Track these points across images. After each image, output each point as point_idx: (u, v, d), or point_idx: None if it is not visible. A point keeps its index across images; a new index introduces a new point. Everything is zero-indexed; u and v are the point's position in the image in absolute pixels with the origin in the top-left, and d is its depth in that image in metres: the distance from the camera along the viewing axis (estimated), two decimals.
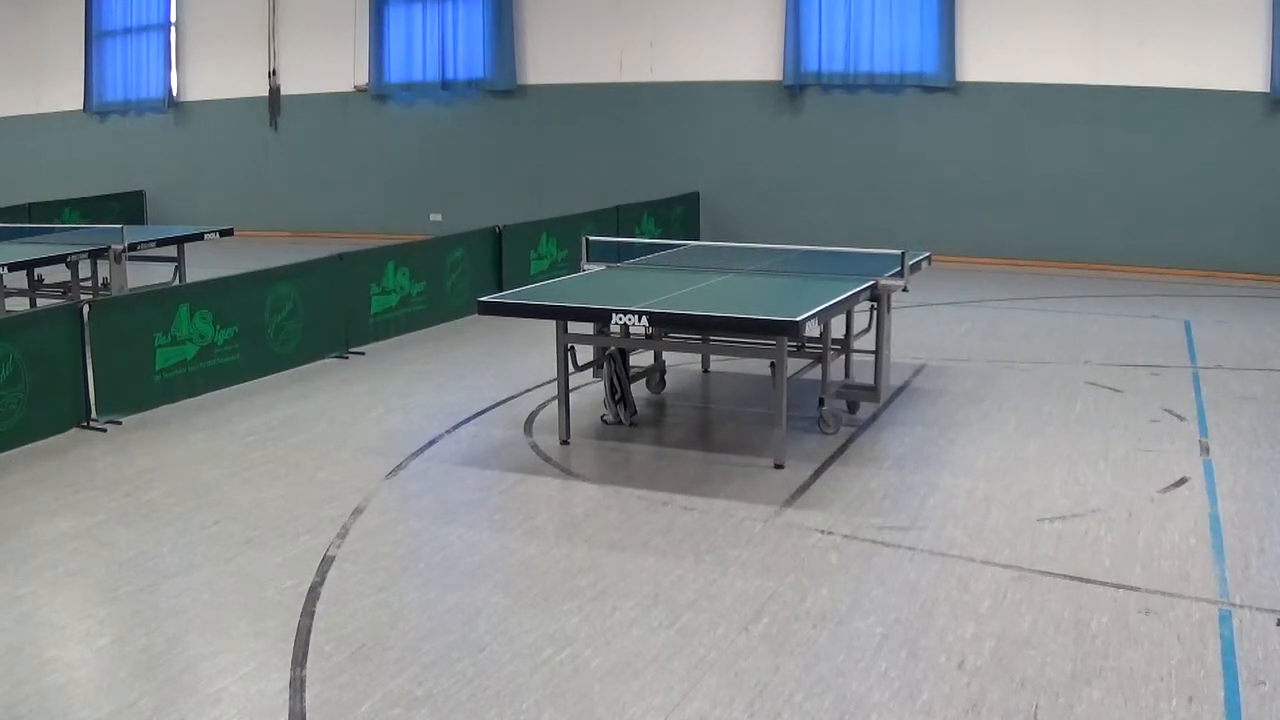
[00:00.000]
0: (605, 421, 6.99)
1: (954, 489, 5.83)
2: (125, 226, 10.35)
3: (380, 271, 9.43)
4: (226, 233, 11.12)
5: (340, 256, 9.19)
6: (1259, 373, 8.19)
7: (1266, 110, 12.14)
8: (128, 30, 17.66)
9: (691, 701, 3.80)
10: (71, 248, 9.71)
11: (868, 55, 13.69)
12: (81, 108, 17.98)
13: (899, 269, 7.05)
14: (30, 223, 12.97)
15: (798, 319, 5.79)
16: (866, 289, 6.79)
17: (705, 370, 8.33)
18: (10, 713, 3.74)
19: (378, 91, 16.26)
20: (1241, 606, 4.43)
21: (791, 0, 13.83)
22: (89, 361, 6.96)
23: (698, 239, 13.64)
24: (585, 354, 6.93)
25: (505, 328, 9.14)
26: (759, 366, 7.84)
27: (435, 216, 15.87)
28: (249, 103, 17.02)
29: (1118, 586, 4.63)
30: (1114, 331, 9.66)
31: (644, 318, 6.00)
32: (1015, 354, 8.81)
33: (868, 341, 7.27)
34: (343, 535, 5.28)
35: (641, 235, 13.05)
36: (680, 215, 14.31)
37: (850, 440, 6.66)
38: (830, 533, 5.26)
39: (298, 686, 3.92)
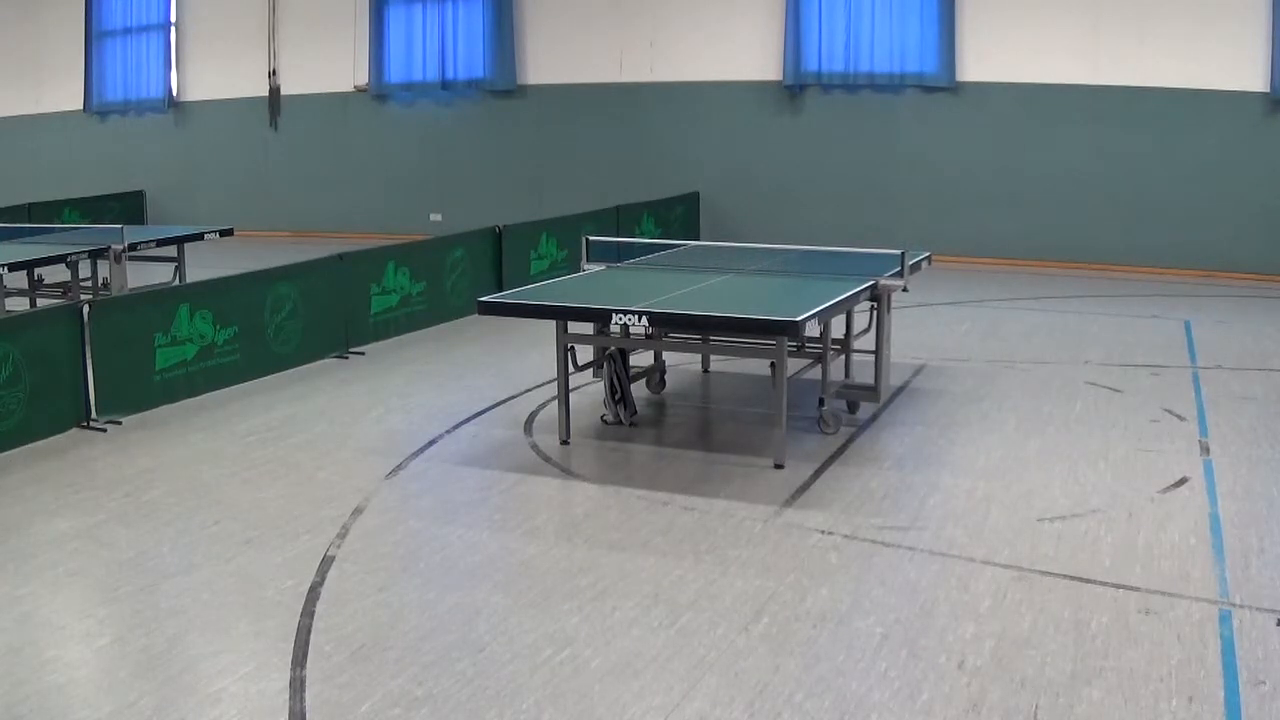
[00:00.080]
0: (605, 421, 6.99)
1: (954, 489, 5.83)
2: (125, 226, 10.35)
3: (380, 271, 9.43)
4: (226, 233, 11.12)
5: (340, 256, 9.19)
6: (1259, 373, 8.19)
7: (1266, 110, 12.14)
8: (128, 30, 17.66)
9: (691, 701, 3.80)
10: (71, 248, 9.71)
11: (868, 55, 13.69)
12: (81, 108, 17.98)
13: (899, 269, 7.05)
14: (30, 223, 12.97)
15: (798, 319, 5.79)
16: (866, 289, 6.79)
17: (705, 370, 8.33)
18: (10, 713, 3.74)
19: (378, 91, 16.26)
20: (1241, 606, 4.43)
21: (791, 0, 13.83)
22: (89, 361, 6.97)
23: (698, 239, 13.64)
24: (585, 354, 6.93)
25: (505, 328, 9.14)
26: (759, 366, 7.84)
27: (435, 216, 15.87)
28: (249, 103, 17.02)
29: (1118, 586, 4.63)
30: (1114, 331, 9.66)
31: (644, 318, 6.00)
32: (1015, 354, 8.81)
33: (868, 341, 7.27)
34: (343, 535, 5.28)
35: (641, 235, 13.05)
36: (680, 215, 14.31)
37: (850, 440, 6.66)
38: (830, 533, 5.26)
39: (298, 686, 3.92)
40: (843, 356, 7.59)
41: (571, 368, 6.65)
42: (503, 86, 15.55)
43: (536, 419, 7.17)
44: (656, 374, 7.67)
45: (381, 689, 3.90)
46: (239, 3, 16.92)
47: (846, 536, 5.21)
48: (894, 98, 13.72)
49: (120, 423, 7.06)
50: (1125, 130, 12.71)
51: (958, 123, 13.44)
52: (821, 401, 6.83)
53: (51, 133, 18.23)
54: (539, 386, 7.87)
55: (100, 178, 17.41)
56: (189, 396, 7.60)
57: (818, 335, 6.75)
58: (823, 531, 5.27)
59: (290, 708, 3.78)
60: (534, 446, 6.63)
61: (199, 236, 10.89)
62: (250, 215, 16.33)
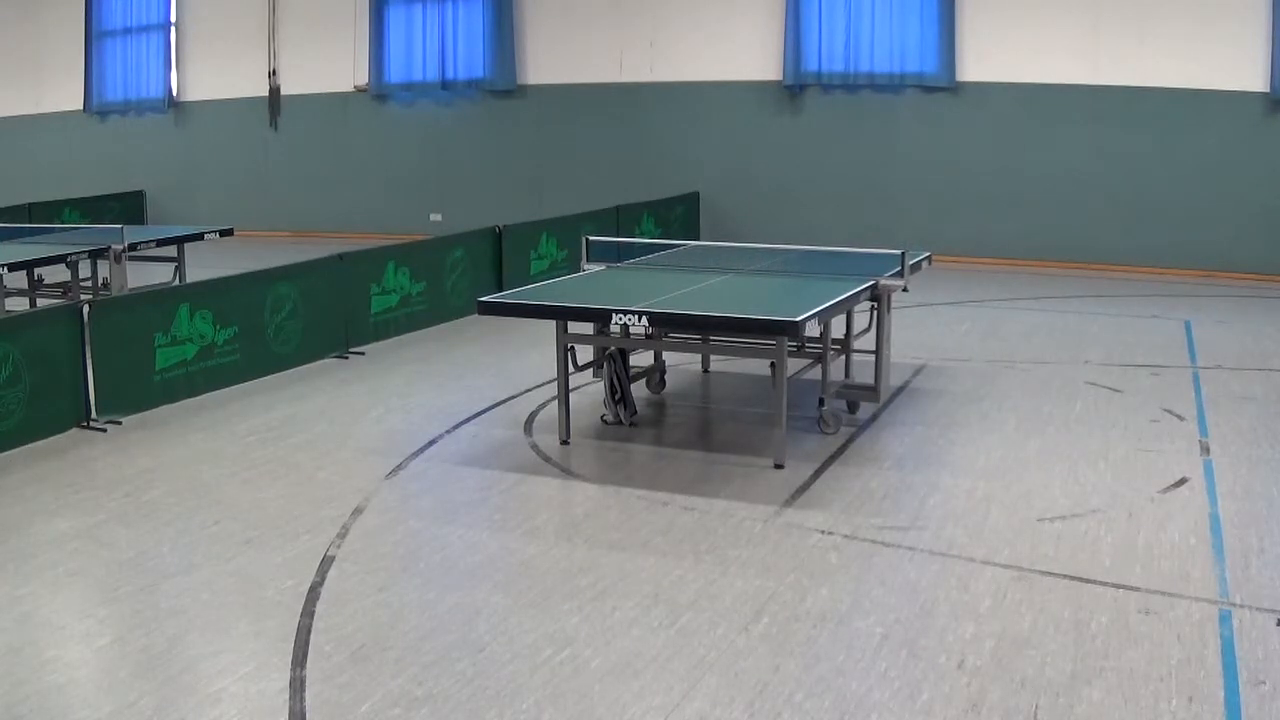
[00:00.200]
0: (605, 421, 6.99)
1: (954, 489, 5.83)
2: (125, 226, 10.35)
3: (380, 271, 9.43)
4: (226, 233, 11.12)
5: (340, 256, 9.19)
6: (1259, 373, 8.19)
7: (1266, 110, 12.14)
8: (128, 30, 17.66)
9: (691, 701, 3.80)
10: (71, 248, 9.71)
11: (868, 55, 13.69)
12: (81, 108, 17.98)
13: (899, 269, 7.05)
14: (30, 223, 12.98)
15: (798, 319, 5.79)
16: (866, 289, 6.79)
17: (705, 370, 8.33)
18: (10, 713, 3.74)
19: (378, 91, 16.26)
20: (1241, 606, 4.43)
21: (791, 0, 13.83)
22: (89, 361, 6.97)
23: (698, 239, 13.64)
24: (585, 354, 6.93)
25: (505, 328, 9.15)
26: (759, 366, 7.84)
27: (435, 216, 15.87)
28: (249, 103, 17.02)
29: (1118, 586, 4.63)
30: (1114, 331, 9.66)
31: (644, 318, 6.00)
32: (1015, 354, 8.81)
33: (868, 341, 7.27)
34: (343, 535, 5.28)
35: (641, 235, 13.05)
36: (680, 215, 14.31)
37: (850, 440, 6.66)
38: (830, 533, 5.26)
39: (298, 686, 3.92)
40: (843, 356, 7.59)
41: (571, 368, 6.65)
42: (503, 86, 15.55)
43: (536, 419, 7.17)
44: (656, 374, 7.67)
45: (381, 689, 3.90)
46: (239, 3, 16.92)
47: (846, 536, 5.21)
48: (894, 98, 13.72)
49: (120, 423, 7.06)
50: (1125, 130, 12.71)
51: (958, 123, 13.44)
52: (821, 401, 6.83)
53: (51, 133, 18.23)
54: (539, 386, 7.88)
55: (100, 178, 17.41)
56: (189, 396, 7.60)
57: (818, 335, 6.75)
58: (823, 531, 5.27)
59: (290, 708, 3.78)
60: (534, 446, 6.63)
61: (199, 236, 10.89)
62: (250, 215, 16.34)
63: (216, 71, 17.17)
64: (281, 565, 4.94)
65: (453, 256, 10.33)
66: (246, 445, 6.71)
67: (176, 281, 10.38)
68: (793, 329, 5.82)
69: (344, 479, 6.08)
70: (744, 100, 14.39)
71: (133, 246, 10.00)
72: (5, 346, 6.46)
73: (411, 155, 16.27)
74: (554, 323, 6.53)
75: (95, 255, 9.79)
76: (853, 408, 7.20)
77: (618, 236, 12.07)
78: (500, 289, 10.12)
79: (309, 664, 4.07)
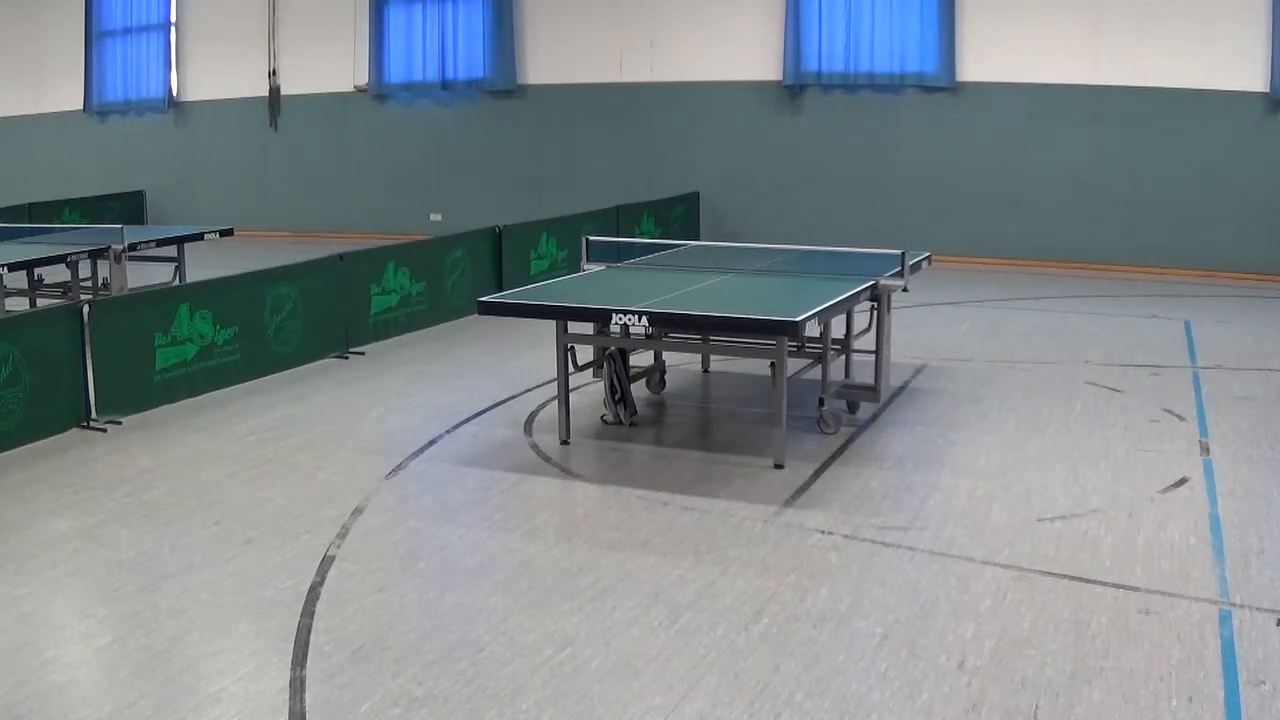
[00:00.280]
0: (605, 421, 6.99)
1: (954, 489, 5.83)
2: (125, 226, 10.35)
3: (380, 271, 9.43)
4: (226, 233, 11.12)
5: (340, 256, 9.19)
6: (1259, 373, 8.19)
7: (1266, 110, 12.14)
8: (128, 30, 17.66)
9: (691, 701, 3.80)
10: (71, 248, 9.71)
11: (868, 55, 13.69)
12: (81, 108, 17.99)
13: (899, 269, 7.05)
14: (30, 223, 12.97)
15: (798, 319, 5.79)
16: (866, 289, 6.79)
17: (705, 370, 8.33)
18: (10, 713, 3.74)
19: (378, 91, 16.26)
20: (1241, 606, 4.43)
21: (791, 0, 13.83)
22: (89, 361, 6.97)
23: (698, 239, 13.64)
24: (585, 354, 6.93)
25: (505, 328, 9.15)
26: (759, 366, 7.84)
27: (435, 216, 15.87)
28: (249, 103, 17.02)
29: (1118, 586, 4.63)
30: (1114, 331, 9.66)
31: (644, 318, 6.00)
32: (1015, 354, 8.81)
33: (868, 341, 7.27)
34: (343, 535, 5.28)
35: (641, 235, 13.05)
36: (680, 215, 14.31)
37: (850, 440, 6.66)
38: (830, 533, 5.26)
39: (298, 686, 3.92)
40: (843, 356, 7.59)
41: (571, 368, 6.65)
42: (503, 86, 15.55)
43: (536, 419, 7.17)
44: (656, 374, 7.67)
45: (381, 689, 3.90)
46: (239, 3, 16.92)
47: (846, 536, 5.21)
48: (894, 98, 13.72)
49: (120, 423, 7.06)
50: (1125, 130, 12.71)
51: (958, 123, 13.44)
52: (821, 401, 6.83)
53: (51, 133, 18.23)
54: (539, 386, 7.87)
55: (100, 178, 17.41)
56: (189, 396, 7.60)
57: (818, 335, 6.75)
58: (823, 531, 5.27)
59: (290, 708, 3.78)
60: (534, 446, 6.63)
61: (199, 236, 10.89)
62: (250, 215, 16.34)
63: (216, 71, 17.17)
64: (281, 565, 4.94)
65: (453, 256, 10.33)
66: (246, 445, 6.71)
67: (176, 281, 10.38)
68: (793, 329, 5.82)
69: (344, 479, 6.08)
70: (744, 100, 14.39)
71: (133, 246, 10.00)
72: (5, 346, 6.47)
73: (411, 155, 16.27)
74: (554, 323, 6.53)
75: (95, 255, 9.79)
76: (853, 408, 7.20)
77: (618, 236, 12.07)
78: (500, 289, 10.13)
79: (309, 664, 4.07)
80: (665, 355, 7.78)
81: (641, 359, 7.59)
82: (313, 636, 4.28)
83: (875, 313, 7.09)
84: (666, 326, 6.49)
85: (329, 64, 16.40)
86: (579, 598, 4.60)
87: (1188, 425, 6.88)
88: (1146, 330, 9.70)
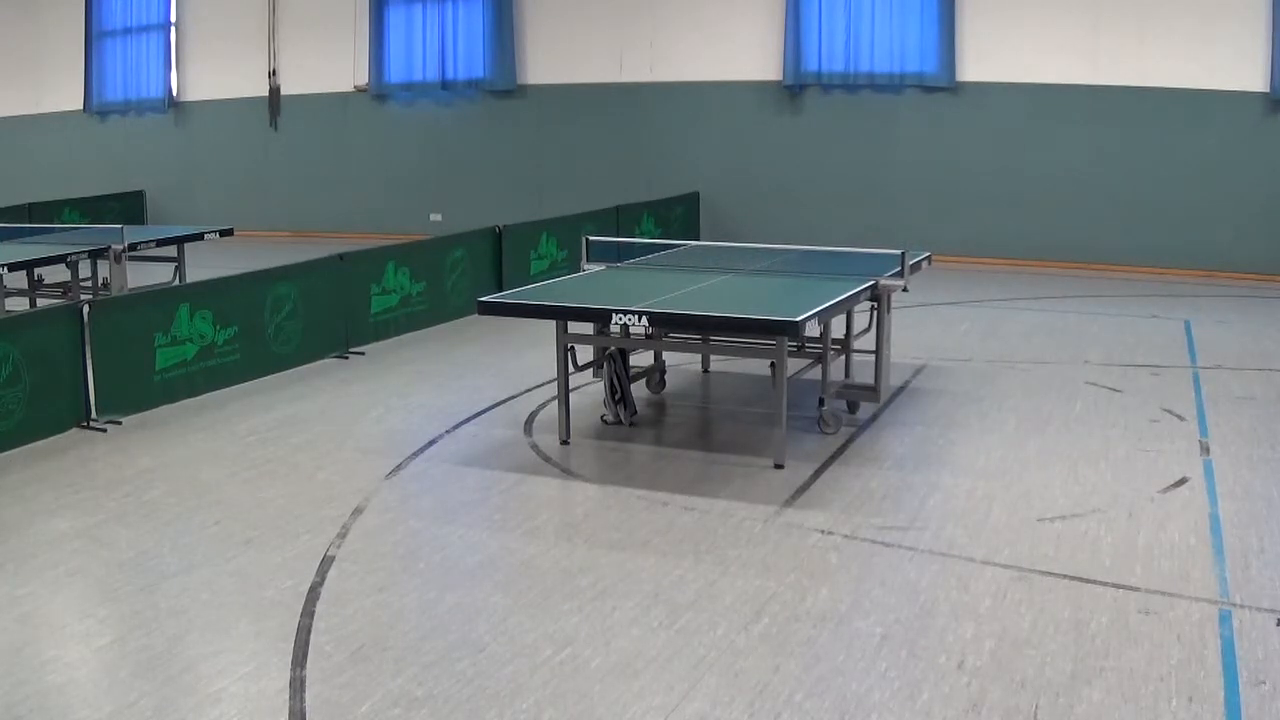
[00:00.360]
0: (605, 421, 6.99)
1: (954, 489, 5.83)
2: (125, 226, 10.35)
3: (380, 271, 9.43)
4: (226, 233, 11.12)
5: (340, 256, 9.19)
6: (1259, 373, 8.19)
7: (1266, 110, 12.14)
8: (128, 30, 17.66)
9: (691, 701, 3.80)
10: (71, 248, 9.71)
11: (868, 55, 13.69)
12: (81, 108, 17.99)
13: (899, 269, 7.05)
14: (30, 223, 12.97)
15: (798, 319, 5.79)
16: (866, 289, 6.79)
17: (705, 370, 8.33)
18: (10, 713, 3.74)
19: (378, 91, 16.26)
20: (1241, 606, 4.43)
21: (791, 0, 13.83)
22: (89, 361, 6.96)
23: (698, 239, 13.64)
24: (585, 354, 6.93)
25: (505, 328, 9.15)
26: (759, 366, 7.84)
27: (435, 216, 15.87)
28: (249, 103, 17.02)
29: (1118, 586, 4.63)
30: (1114, 331, 9.66)
31: (644, 318, 6.00)
32: (1015, 354, 8.81)
33: (868, 341, 7.27)
34: (343, 535, 5.28)
35: (641, 235, 13.05)
36: (680, 215, 14.31)
37: (850, 440, 6.66)
38: (830, 533, 5.26)
39: (298, 686, 3.92)
40: (843, 356, 7.58)
41: (571, 368, 6.65)
42: (503, 86, 15.55)
43: (536, 419, 7.17)
44: (656, 374, 7.67)
45: (381, 689, 3.90)
46: (239, 3, 16.92)
47: (846, 536, 5.21)
48: (894, 98, 13.71)
49: (120, 423, 7.06)
50: (1125, 130, 12.71)
51: (958, 123, 13.44)
52: (821, 401, 6.83)
53: (51, 133, 18.24)
54: (539, 386, 7.87)
55: (100, 178, 17.41)
56: (189, 396, 7.60)
57: (818, 335, 6.75)
58: (823, 531, 5.27)
59: (290, 708, 3.78)
60: (534, 446, 6.63)
61: (199, 236, 10.89)
62: (250, 215, 16.34)
63: (216, 71, 17.17)
64: (281, 565, 4.94)
65: (453, 256, 10.33)
66: (246, 445, 6.71)
67: (176, 281, 10.38)
68: (793, 329, 5.82)
69: (344, 479, 6.08)
70: (744, 100, 14.39)
71: (133, 246, 10.00)
72: (5, 346, 6.47)
73: (411, 155, 16.27)
74: (554, 323, 6.53)
75: (95, 255, 9.79)
76: (853, 408, 7.20)
77: (618, 236, 12.07)
78: (500, 289, 10.13)
79: (309, 664, 4.07)
80: (665, 355, 7.78)
81: (641, 359, 7.59)
82: (313, 636, 4.28)
83: (875, 313, 7.09)
84: (666, 326, 6.49)
85: (329, 64, 16.40)
86: (579, 598, 4.60)
87: (1188, 425, 6.88)
88: (1146, 330, 9.70)
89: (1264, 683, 3.85)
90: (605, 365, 6.90)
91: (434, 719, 3.72)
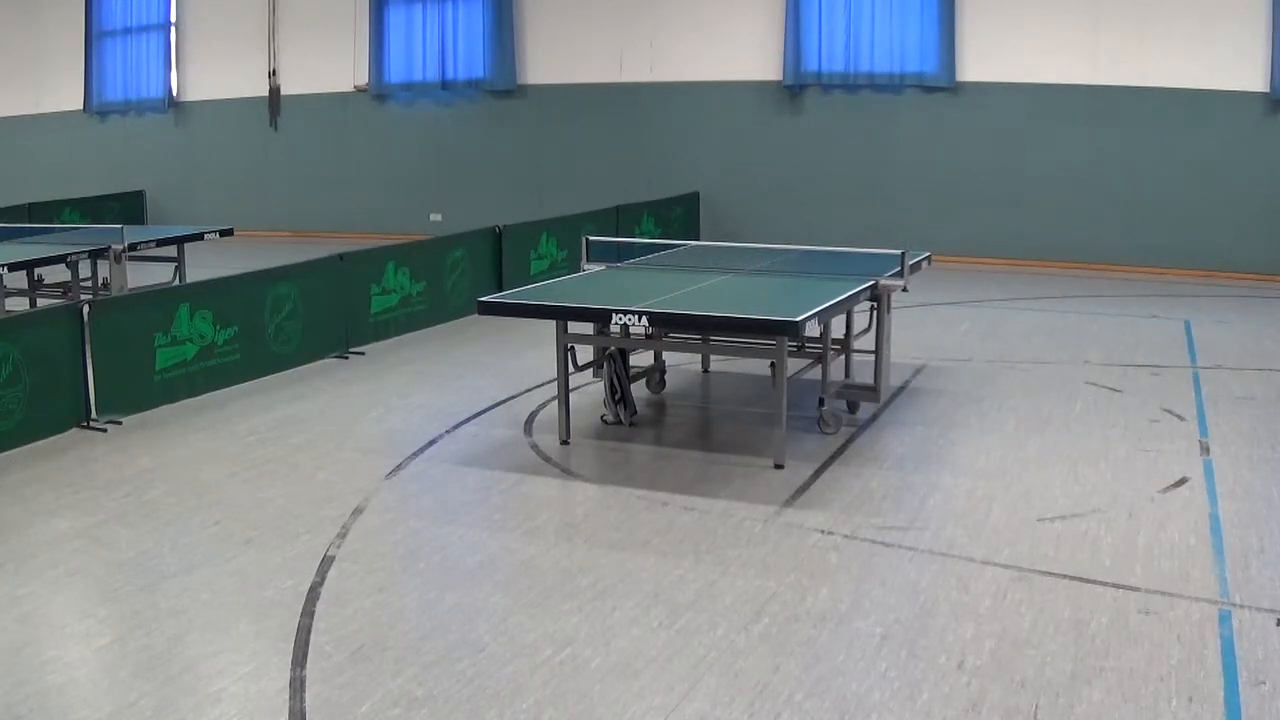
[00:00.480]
0: (605, 421, 6.99)
1: (954, 489, 5.83)
2: (125, 226, 10.35)
3: (380, 271, 9.43)
4: (226, 233, 11.12)
5: (340, 256, 9.19)
6: (1259, 373, 8.19)
7: (1266, 110, 12.14)
8: (128, 30, 17.66)
9: (691, 701, 3.80)
10: (71, 248, 9.71)
11: (868, 55, 13.70)
12: (81, 108, 17.99)
13: (899, 269, 7.05)
14: (30, 223, 12.97)
15: (798, 319, 5.79)
16: (866, 289, 6.79)
17: (705, 370, 8.33)
18: (10, 713, 3.74)
19: (378, 91, 16.26)
20: (1241, 606, 4.43)
21: (791, 0, 13.83)
22: (89, 361, 6.96)
23: (698, 239, 13.64)
24: (585, 354, 6.93)
25: (505, 328, 9.15)
26: (759, 366, 7.84)
27: (435, 216, 15.87)
28: (249, 103, 17.02)
29: (1118, 586, 4.63)
30: (1114, 331, 9.66)
31: (644, 318, 6.00)
32: (1015, 354, 8.81)
33: (868, 341, 7.27)
34: (343, 535, 5.28)
35: (641, 235, 13.05)
36: (680, 215, 14.31)
37: (850, 440, 6.66)
38: (830, 533, 5.26)
39: (298, 686, 3.92)
40: (843, 356, 7.58)
41: (571, 368, 6.65)
42: (503, 86, 15.55)
43: (536, 419, 7.17)
44: (656, 374, 7.67)
45: (381, 689, 3.90)
46: (239, 3, 16.92)
47: (846, 536, 5.21)
48: (894, 98, 13.71)
49: (120, 423, 7.06)
50: (1125, 130, 12.71)
51: (958, 123, 13.44)
52: (821, 401, 6.83)
53: (51, 133, 18.23)
54: (539, 386, 7.88)
55: (100, 178, 17.41)
56: (189, 396, 7.60)
57: (818, 335, 6.75)
58: (823, 531, 5.27)
59: (290, 708, 3.78)
60: (534, 446, 6.63)
61: (199, 236, 10.89)
62: (250, 215, 16.34)
63: (216, 71, 17.17)
64: (281, 565, 4.94)
65: (453, 256, 10.33)
66: (246, 445, 6.71)
67: (176, 281, 10.38)
68: (793, 329, 5.82)
69: (344, 479, 6.08)
70: (744, 100, 14.39)
71: (133, 246, 10.00)
72: (5, 346, 6.47)
73: (411, 155, 16.27)
74: (554, 323, 6.53)
75: (95, 255, 9.79)
76: (853, 408, 7.20)
77: (618, 236, 12.07)
78: (500, 289, 10.13)
79: (309, 664, 4.07)
80: (665, 355, 7.77)
81: (641, 359, 7.59)
82: (313, 636, 4.28)
83: (875, 313, 7.09)
84: (666, 326, 6.49)
85: (329, 64, 16.40)
86: (579, 598, 4.60)
87: (1188, 425, 6.88)
88: (1146, 330, 9.70)
89: (1264, 683, 3.85)
90: (605, 365, 6.90)
91: (434, 719, 3.72)
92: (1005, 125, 13.24)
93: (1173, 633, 4.22)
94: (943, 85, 13.38)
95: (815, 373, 7.09)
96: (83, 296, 9.53)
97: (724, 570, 4.85)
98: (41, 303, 9.73)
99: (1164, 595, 4.54)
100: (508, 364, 8.64)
